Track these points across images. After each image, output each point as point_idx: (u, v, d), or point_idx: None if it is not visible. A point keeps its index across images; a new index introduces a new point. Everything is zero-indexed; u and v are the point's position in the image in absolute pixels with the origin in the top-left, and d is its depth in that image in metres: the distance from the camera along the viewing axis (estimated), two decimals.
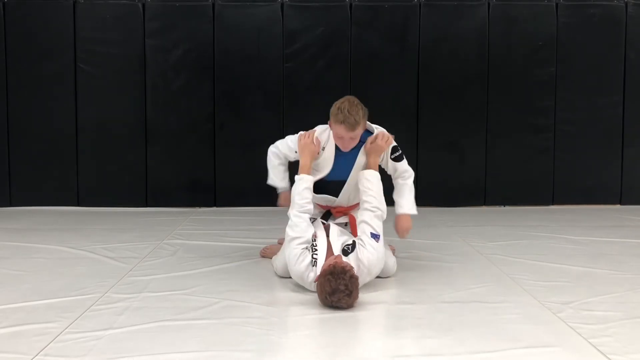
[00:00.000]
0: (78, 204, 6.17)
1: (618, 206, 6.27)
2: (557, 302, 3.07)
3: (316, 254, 3.18)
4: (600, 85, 6.27)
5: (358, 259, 3.17)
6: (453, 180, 6.26)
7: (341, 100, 3.38)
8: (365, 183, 3.41)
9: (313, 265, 3.16)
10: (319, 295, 3.00)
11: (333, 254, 3.17)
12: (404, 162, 3.68)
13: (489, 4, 6.18)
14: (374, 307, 3.03)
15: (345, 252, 3.19)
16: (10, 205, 6.14)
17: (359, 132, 3.39)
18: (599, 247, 4.39)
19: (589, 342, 2.55)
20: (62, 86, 6.10)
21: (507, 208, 6.24)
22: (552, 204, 6.30)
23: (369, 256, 3.19)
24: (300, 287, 3.30)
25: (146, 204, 6.19)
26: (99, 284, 3.40)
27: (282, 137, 6.16)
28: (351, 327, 2.79)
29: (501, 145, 6.28)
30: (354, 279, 2.96)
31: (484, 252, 4.20)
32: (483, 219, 5.62)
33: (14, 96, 6.10)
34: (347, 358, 2.44)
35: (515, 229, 5.04)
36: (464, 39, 6.19)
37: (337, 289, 2.90)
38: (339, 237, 3.29)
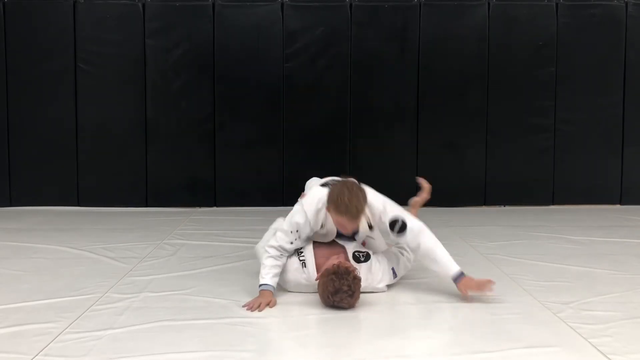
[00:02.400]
0: (78, 204, 6.17)
1: (618, 206, 6.27)
2: (557, 302, 3.07)
3: (303, 257, 3.18)
4: (600, 85, 6.26)
5: (369, 271, 3.17)
6: (453, 180, 6.25)
7: (339, 187, 3.04)
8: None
9: (303, 267, 3.16)
10: (320, 295, 3.00)
11: (323, 256, 3.17)
12: (412, 230, 3.13)
13: (489, 4, 6.18)
14: (374, 307, 3.03)
15: (357, 258, 3.18)
16: (10, 205, 6.14)
17: (362, 218, 3.09)
18: (599, 247, 4.39)
19: (589, 342, 2.55)
20: (62, 86, 6.10)
21: (507, 208, 6.24)
22: (552, 204, 6.30)
23: (379, 274, 3.20)
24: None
25: (146, 204, 6.19)
26: (99, 284, 3.40)
27: (282, 137, 6.23)
28: (351, 327, 2.79)
29: (501, 145, 6.28)
30: (357, 280, 2.96)
31: (484, 252, 4.20)
32: (483, 219, 5.62)
33: (14, 96, 6.10)
34: (347, 358, 2.44)
35: (515, 229, 5.04)
36: (464, 39, 6.19)
37: (340, 289, 2.90)
38: (350, 242, 3.27)
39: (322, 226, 3.17)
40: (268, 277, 3.09)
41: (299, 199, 3.39)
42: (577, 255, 4.10)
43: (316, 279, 3.07)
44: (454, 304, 3.08)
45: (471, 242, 4.52)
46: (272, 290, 3.08)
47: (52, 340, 2.57)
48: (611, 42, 6.24)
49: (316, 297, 3.12)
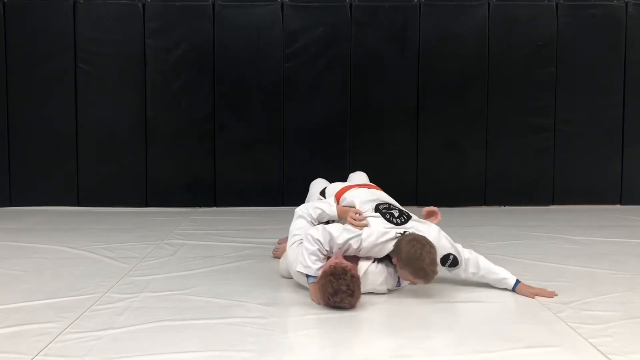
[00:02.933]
0: (78, 204, 6.17)
1: (618, 206, 6.27)
2: (557, 302, 3.07)
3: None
4: (600, 85, 6.26)
5: (386, 267, 3.18)
6: (453, 180, 6.26)
7: (417, 248, 2.97)
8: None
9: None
10: (321, 297, 2.99)
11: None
12: (464, 263, 3.25)
13: (489, 4, 6.18)
14: (374, 307, 3.03)
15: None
16: (10, 205, 6.14)
17: None
18: (599, 247, 4.39)
19: (589, 342, 2.55)
20: (62, 86, 6.10)
21: (507, 208, 6.24)
22: (552, 204, 6.30)
23: (379, 277, 3.19)
24: (301, 287, 3.30)
25: (146, 204, 6.19)
26: (99, 284, 3.40)
27: (282, 137, 6.23)
28: (351, 327, 2.79)
29: (501, 145, 6.28)
30: (355, 278, 2.95)
31: (484, 252, 4.17)
32: (483, 219, 5.62)
33: (14, 96, 6.10)
34: (347, 358, 2.44)
35: (515, 229, 5.04)
36: (464, 39, 6.19)
37: (339, 289, 2.89)
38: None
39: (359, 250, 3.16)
40: (316, 270, 3.06)
41: (313, 201, 3.40)
42: (577, 255, 4.10)
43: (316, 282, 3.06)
44: (454, 304, 3.09)
45: (471, 242, 4.51)
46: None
47: (52, 340, 2.58)
48: (611, 42, 6.23)
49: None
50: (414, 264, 2.97)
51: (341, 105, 6.19)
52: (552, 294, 3.17)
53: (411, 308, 3.04)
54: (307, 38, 6.14)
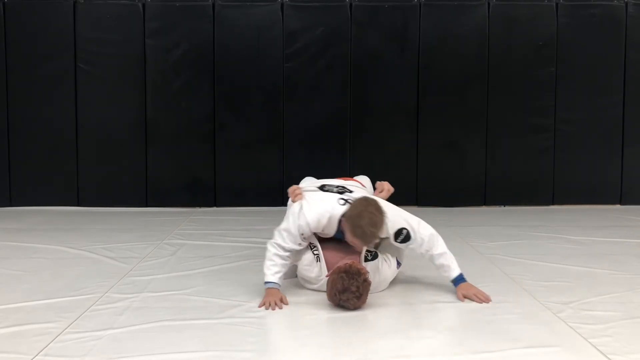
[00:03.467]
0: (78, 204, 6.17)
1: (618, 206, 6.27)
2: (557, 302, 3.07)
3: (317, 251, 3.19)
4: (600, 85, 6.26)
5: (377, 269, 3.17)
6: (453, 180, 6.26)
7: (360, 209, 2.96)
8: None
9: (317, 261, 3.18)
10: (328, 291, 2.99)
11: (337, 255, 3.17)
12: (416, 238, 3.15)
13: (489, 4, 6.18)
14: (374, 308, 3.03)
15: (365, 258, 3.17)
16: (10, 205, 6.14)
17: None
18: (599, 247, 4.39)
19: (589, 342, 2.55)
20: (62, 86, 6.10)
21: (507, 208, 6.24)
22: (552, 204, 6.30)
23: (387, 271, 3.22)
24: (301, 287, 3.30)
25: (146, 204, 6.19)
26: (99, 284, 3.40)
27: (282, 137, 6.23)
28: (351, 327, 2.79)
29: (501, 145, 6.28)
30: (366, 283, 2.95)
31: (484, 252, 4.20)
32: (483, 219, 5.62)
33: (14, 96, 6.10)
34: (347, 358, 2.44)
35: (515, 229, 5.04)
36: (464, 39, 6.19)
37: (349, 288, 2.89)
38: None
39: (322, 231, 3.19)
40: (271, 275, 3.11)
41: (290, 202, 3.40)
42: (577, 255, 4.10)
43: (326, 276, 3.06)
44: (454, 304, 3.08)
45: (471, 242, 4.52)
46: (277, 287, 3.10)
47: (52, 340, 2.58)
48: (611, 42, 6.23)
49: (317, 297, 3.12)
50: (353, 220, 2.95)
51: (341, 105, 6.19)
52: (487, 299, 3.05)
53: (411, 308, 3.04)
54: (307, 38, 6.14)
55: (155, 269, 3.75)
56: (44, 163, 6.14)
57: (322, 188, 3.36)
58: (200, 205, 6.21)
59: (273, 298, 3.03)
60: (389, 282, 3.29)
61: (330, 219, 3.12)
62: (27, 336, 2.62)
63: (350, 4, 6.15)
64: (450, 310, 3.00)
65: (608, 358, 2.40)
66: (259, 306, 3.01)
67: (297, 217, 3.12)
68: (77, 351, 2.47)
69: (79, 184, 6.18)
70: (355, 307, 2.95)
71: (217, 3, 6.12)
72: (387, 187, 3.51)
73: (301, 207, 3.15)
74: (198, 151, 6.21)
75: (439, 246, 3.16)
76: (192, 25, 6.13)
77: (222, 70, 6.15)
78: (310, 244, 3.23)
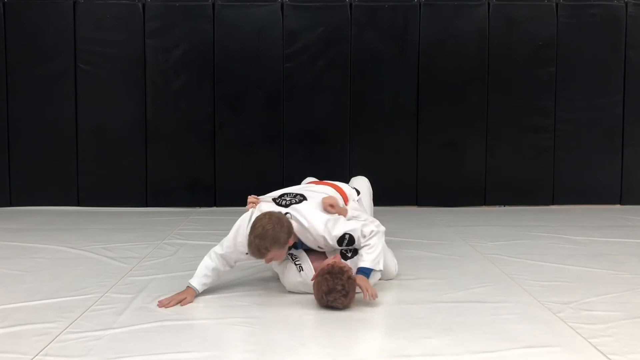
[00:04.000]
0: (78, 204, 6.17)
1: (618, 206, 6.27)
2: (557, 302, 3.07)
3: (298, 261, 3.18)
4: (600, 85, 6.26)
5: (356, 266, 3.16)
6: (453, 180, 6.26)
7: (254, 222, 3.05)
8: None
9: (300, 271, 3.17)
10: (315, 294, 3.00)
11: (319, 259, 3.17)
12: (360, 236, 3.15)
13: (489, 4, 6.18)
14: (374, 307, 3.03)
15: (344, 255, 3.18)
16: (10, 205, 6.14)
17: (275, 253, 3.00)
18: (599, 247, 4.39)
19: (589, 342, 2.55)
20: (62, 86, 6.10)
21: (507, 208, 6.24)
22: (552, 204, 6.30)
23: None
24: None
25: (146, 204, 6.19)
26: (99, 284, 3.40)
27: (282, 137, 6.24)
28: (351, 327, 2.79)
29: (501, 145, 6.28)
30: (351, 280, 2.96)
31: (484, 252, 4.20)
32: (483, 219, 5.61)
33: (14, 96, 6.10)
34: (347, 358, 2.44)
35: (515, 229, 5.04)
36: (464, 39, 6.19)
37: (334, 288, 2.90)
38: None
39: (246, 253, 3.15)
40: (196, 281, 3.15)
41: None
42: (577, 255, 4.10)
43: (311, 280, 3.06)
44: (454, 304, 3.08)
45: (471, 242, 4.52)
46: (196, 292, 3.13)
47: (52, 340, 2.58)
48: (611, 42, 6.23)
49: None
50: (249, 234, 3.01)
51: (341, 105, 6.19)
52: (373, 296, 3.00)
53: (411, 308, 3.04)
54: (307, 38, 6.15)
55: (155, 269, 3.75)
56: (44, 163, 6.14)
57: (278, 198, 3.39)
58: (200, 205, 6.21)
59: (179, 296, 3.07)
60: (374, 279, 3.22)
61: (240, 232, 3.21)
62: (27, 336, 2.62)
63: (350, 4, 6.15)
64: (450, 310, 3.00)
65: (608, 358, 2.40)
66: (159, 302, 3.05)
67: (236, 231, 3.27)
68: (77, 351, 2.47)
69: (79, 184, 6.18)
70: (344, 306, 2.95)
71: (217, 3, 6.12)
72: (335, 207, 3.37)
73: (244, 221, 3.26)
74: (198, 151, 6.21)
75: (372, 239, 3.14)
76: (192, 25, 6.13)
77: (222, 70, 6.15)
78: (291, 255, 3.20)
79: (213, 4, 6.12)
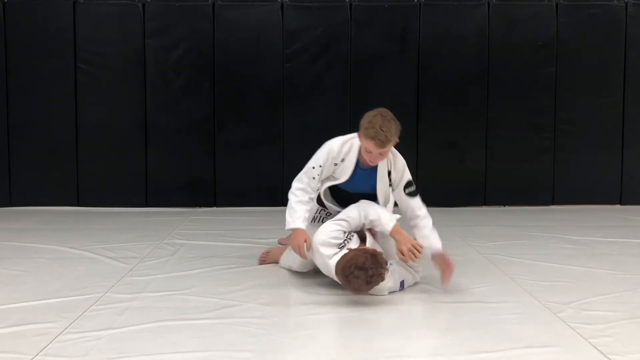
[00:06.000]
0: (78, 204, 6.17)
1: (618, 206, 6.27)
2: (557, 302, 3.07)
3: (349, 240, 3.20)
4: (600, 85, 6.27)
5: (390, 274, 3.19)
6: (453, 180, 6.26)
7: (373, 113, 3.21)
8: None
9: (339, 248, 3.16)
10: (345, 261, 2.98)
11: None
12: (418, 199, 3.42)
13: (489, 4, 6.18)
14: (374, 308, 3.03)
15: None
16: (10, 205, 6.14)
17: (389, 148, 3.23)
18: (599, 247, 4.39)
19: (589, 342, 2.55)
20: (62, 86, 6.10)
21: (507, 208, 6.24)
22: (552, 204, 6.30)
23: (389, 282, 3.18)
24: (301, 288, 3.30)
25: (146, 204, 6.19)
26: (99, 284, 3.40)
27: (282, 137, 6.23)
28: (351, 327, 2.79)
29: (501, 145, 6.28)
30: (380, 277, 2.96)
31: (484, 252, 4.20)
32: (483, 219, 5.62)
33: (14, 96, 6.10)
34: (347, 358, 2.44)
35: (515, 229, 5.04)
36: (464, 39, 6.19)
37: (366, 269, 2.90)
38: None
39: (342, 160, 3.31)
40: (292, 221, 3.25)
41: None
42: (577, 255, 4.10)
43: (348, 249, 3.07)
44: (454, 304, 3.09)
45: (471, 242, 4.52)
46: (302, 228, 3.22)
47: (52, 340, 2.58)
48: (611, 42, 6.24)
49: (317, 297, 3.12)
50: (367, 124, 3.13)
51: (341, 105, 6.19)
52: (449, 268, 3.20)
53: (411, 308, 3.04)
54: (307, 38, 6.14)
55: (155, 269, 3.75)
56: (44, 163, 6.14)
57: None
58: (200, 205, 6.21)
59: (297, 240, 3.17)
60: (385, 292, 3.21)
61: (352, 146, 3.30)
62: (27, 336, 2.62)
63: (350, 4, 6.15)
64: (450, 310, 3.00)
65: (608, 358, 2.40)
66: (292, 247, 3.20)
67: (322, 149, 3.36)
68: (77, 351, 2.47)
69: (79, 184, 6.18)
70: (357, 289, 2.95)
71: (217, 3, 6.12)
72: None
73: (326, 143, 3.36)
74: (198, 151, 6.21)
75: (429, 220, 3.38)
76: (192, 25, 6.13)
77: (222, 70, 6.15)
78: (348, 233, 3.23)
79: (213, 4, 6.12)
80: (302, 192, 3.31)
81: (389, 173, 3.34)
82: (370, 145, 3.14)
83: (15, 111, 6.11)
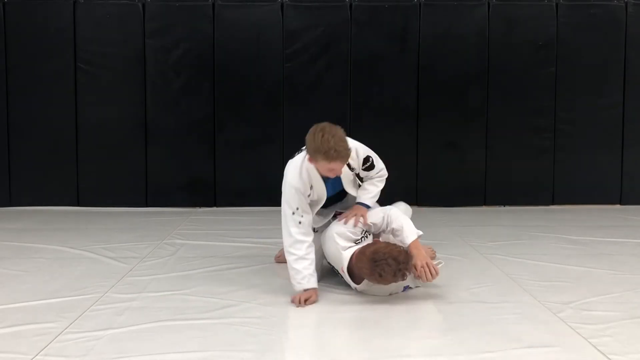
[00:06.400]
0: (78, 204, 6.17)
1: (618, 206, 6.27)
2: (557, 302, 3.07)
3: (365, 239, 3.25)
4: (600, 85, 6.26)
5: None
6: (453, 180, 6.25)
7: (318, 134, 3.07)
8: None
9: (355, 243, 3.20)
10: (379, 247, 3.00)
11: None
12: (377, 169, 3.42)
13: (489, 4, 6.18)
14: (374, 307, 3.03)
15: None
16: (10, 205, 6.14)
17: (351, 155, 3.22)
18: (599, 247, 4.39)
19: (589, 342, 2.55)
20: (62, 86, 6.10)
21: (507, 208, 6.24)
22: (552, 204, 6.30)
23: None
24: None
25: (146, 204, 6.19)
26: (99, 284, 3.40)
27: (282, 137, 6.23)
28: (351, 327, 2.79)
29: (501, 145, 6.28)
30: (405, 276, 2.97)
31: (484, 252, 4.20)
32: (483, 219, 5.61)
33: (14, 96, 6.10)
34: (347, 358, 2.44)
35: (515, 229, 5.04)
36: (464, 39, 6.19)
37: (399, 263, 2.90)
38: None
39: (311, 187, 3.23)
40: (305, 281, 3.10)
41: None
42: (577, 255, 4.10)
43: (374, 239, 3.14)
44: (454, 304, 3.09)
45: (471, 242, 4.52)
46: (312, 289, 3.12)
47: (52, 340, 2.58)
48: (611, 42, 6.23)
49: (318, 297, 3.11)
50: (322, 148, 3.03)
51: (341, 105, 6.19)
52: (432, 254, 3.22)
53: (411, 308, 3.04)
54: (307, 38, 6.14)
55: (155, 269, 3.75)
56: (44, 163, 6.14)
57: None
58: (200, 205, 6.21)
59: (304, 295, 3.07)
60: (386, 294, 3.22)
61: (307, 169, 3.19)
62: (27, 336, 2.62)
63: (350, 4, 6.15)
64: (450, 310, 3.00)
65: (608, 358, 2.40)
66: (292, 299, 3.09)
67: (285, 191, 3.20)
68: (77, 351, 2.47)
69: (79, 184, 6.18)
70: (379, 276, 2.91)
71: (217, 3, 6.11)
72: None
73: (284, 182, 3.23)
74: (198, 151, 6.21)
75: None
76: (192, 25, 6.13)
77: (222, 70, 6.15)
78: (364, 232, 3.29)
79: (213, 4, 6.12)
80: (299, 243, 3.14)
81: (349, 165, 3.32)
82: (336, 164, 3.08)
83: (15, 111, 6.11)
